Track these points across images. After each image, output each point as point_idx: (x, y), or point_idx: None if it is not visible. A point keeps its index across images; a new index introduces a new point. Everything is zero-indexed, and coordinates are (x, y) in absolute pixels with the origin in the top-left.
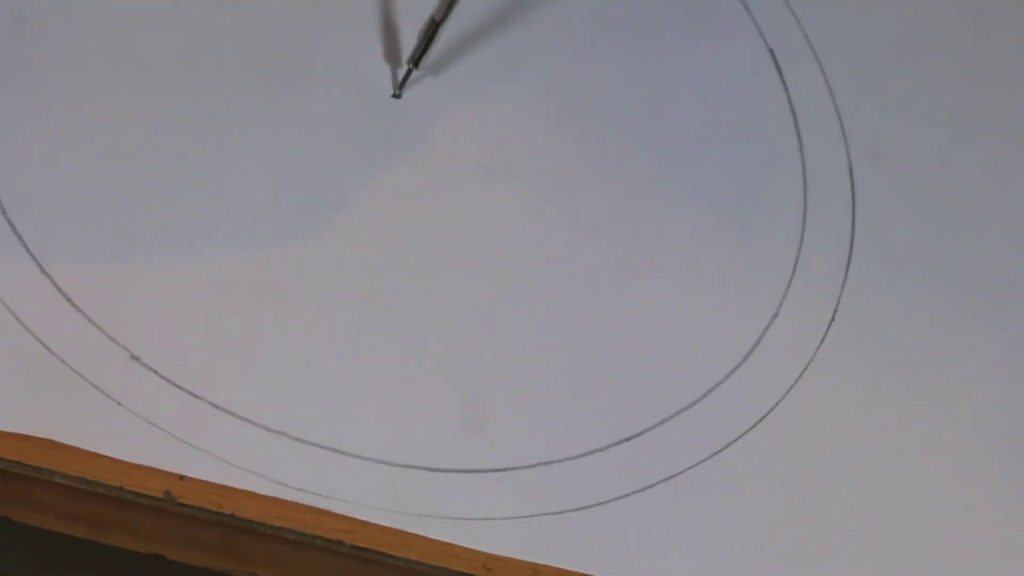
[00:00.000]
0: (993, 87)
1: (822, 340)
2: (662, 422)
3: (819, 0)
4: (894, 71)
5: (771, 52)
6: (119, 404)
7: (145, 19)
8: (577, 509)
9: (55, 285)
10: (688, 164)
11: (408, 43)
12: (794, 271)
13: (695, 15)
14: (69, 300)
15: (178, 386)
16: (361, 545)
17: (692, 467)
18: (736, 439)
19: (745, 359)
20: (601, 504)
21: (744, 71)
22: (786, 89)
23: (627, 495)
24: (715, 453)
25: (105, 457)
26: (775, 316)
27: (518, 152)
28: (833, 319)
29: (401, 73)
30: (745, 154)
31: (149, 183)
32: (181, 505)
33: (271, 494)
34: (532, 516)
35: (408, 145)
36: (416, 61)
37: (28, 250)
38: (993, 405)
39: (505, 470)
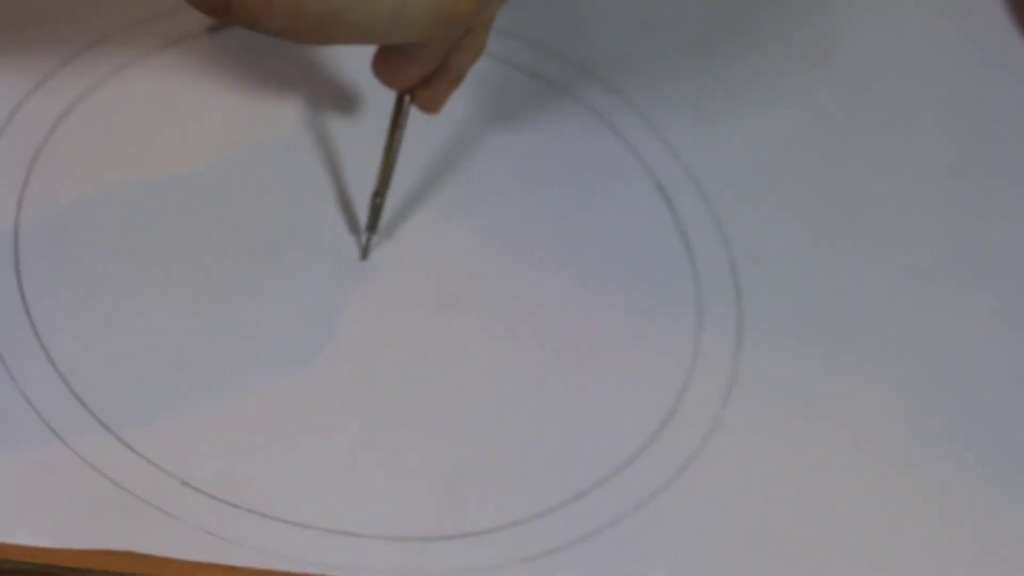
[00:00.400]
0: (852, 188)
1: (725, 402)
2: (602, 481)
3: (694, 136)
4: (764, 183)
5: (659, 185)
6: (179, 519)
7: (156, 216)
8: (540, 555)
9: (117, 437)
10: (603, 280)
11: (363, 214)
12: (696, 352)
13: (596, 164)
14: (130, 447)
15: (222, 500)
16: None
17: (631, 512)
18: (664, 488)
19: (663, 426)
20: (560, 549)
21: (640, 203)
22: (674, 212)
23: (580, 539)
24: (648, 501)
25: (172, 560)
26: (684, 388)
27: (465, 287)
28: (732, 384)
29: (364, 238)
30: (648, 267)
31: (179, 343)
32: None
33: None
34: (505, 565)
35: (377, 294)
36: (371, 228)
37: (91, 411)
38: (875, 438)
39: (481, 532)
